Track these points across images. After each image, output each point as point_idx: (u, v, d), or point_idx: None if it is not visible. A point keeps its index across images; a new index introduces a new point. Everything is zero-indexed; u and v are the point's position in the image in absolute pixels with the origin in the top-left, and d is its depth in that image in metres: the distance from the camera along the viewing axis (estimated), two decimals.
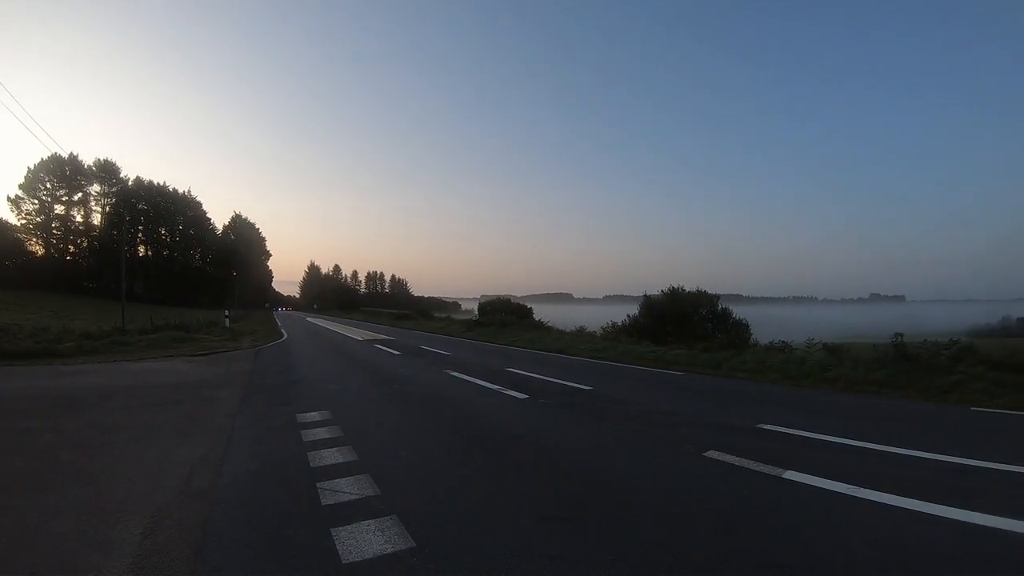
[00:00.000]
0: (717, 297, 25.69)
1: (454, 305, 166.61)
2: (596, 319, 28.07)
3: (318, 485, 4.88)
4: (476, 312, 45.03)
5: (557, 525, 3.94)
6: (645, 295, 26.68)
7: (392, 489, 4.73)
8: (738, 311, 25.25)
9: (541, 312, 42.05)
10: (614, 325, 24.85)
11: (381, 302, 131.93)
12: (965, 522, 4.09)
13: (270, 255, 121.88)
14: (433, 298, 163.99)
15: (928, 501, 4.50)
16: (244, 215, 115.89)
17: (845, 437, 6.85)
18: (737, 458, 5.69)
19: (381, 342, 24.77)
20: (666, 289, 26.45)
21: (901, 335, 13.20)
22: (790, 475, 5.17)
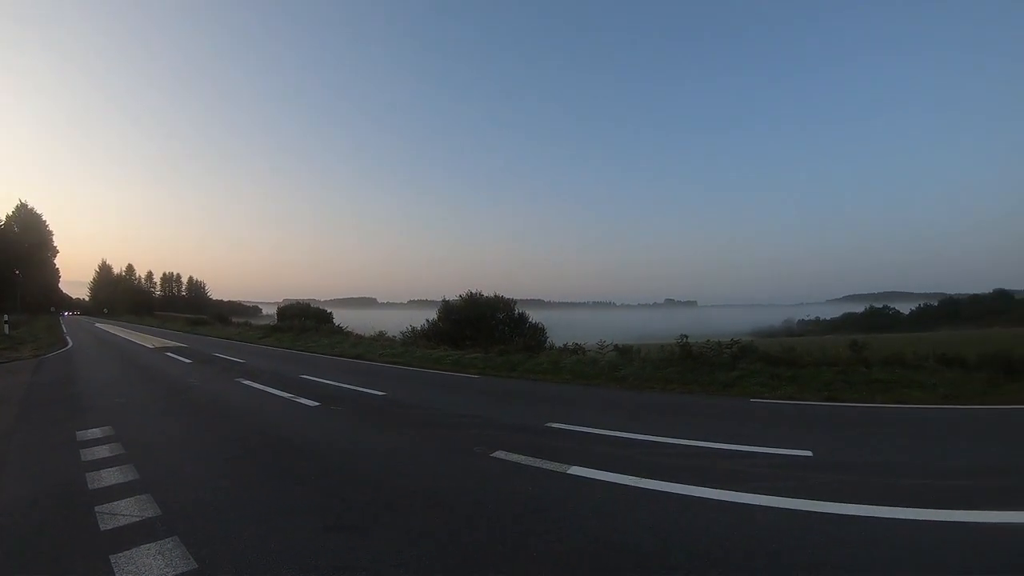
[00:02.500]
0: (514, 302, 27.00)
1: (254, 310, 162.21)
2: (399, 324, 27.75)
3: (96, 509, 4.63)
4: (276, 317, 42.52)
5: (344, 535, 3.95)
6: (444, 300, 27.89)
7: (174, 508, 4.60)
8: (540, 316, 26.18)
9: (343, 317, 41.88)
10: (414, 330, 24.01)
11: (177, 306, 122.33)
12: (736, 503, 4.54)
13: (57, 251, 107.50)
14: (232, 302, 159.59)
15: (703, 486, 4.92)
16: (30, 205, 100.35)
17: (630, 432, 7.29)
18: (525, 457, 5.92)
19: (173, 350, 24.58)
20: (464, 294, 27.08)
21: (686, 336, 14.46)
22: (575, 470, 5.44)
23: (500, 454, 6.03)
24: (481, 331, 23.88)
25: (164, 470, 5.80)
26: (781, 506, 4.45)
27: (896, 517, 4.26)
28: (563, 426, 7.66)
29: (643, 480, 5.05)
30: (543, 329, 26.16)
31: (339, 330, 31.57)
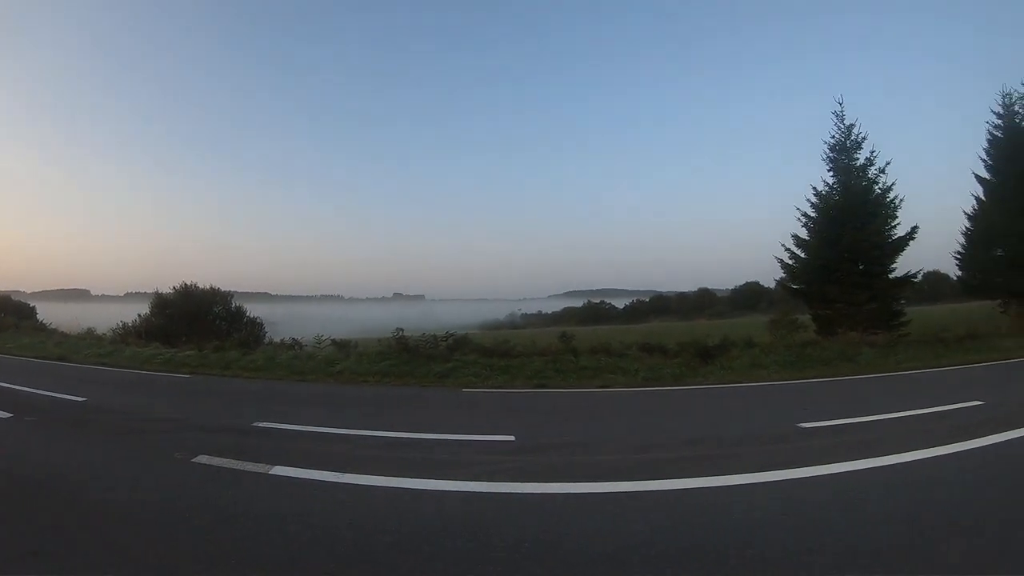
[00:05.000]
0: (231, 295, 24.58)
1: None
2: (114, 319, 25.01)
3: None
4: None
5: (30, 562, 3.42)
6: (157, 292, 24.14)
7: None
8: (266, 310, 24.32)
9: (51, 312, 35.98)
10: (125, 326, 21.33)
11: None
12: (438, 490, 4.65)
13: None
14: None
15: (408, 476, 5.00)
16: None
17: (340, 427, 7.37)
18: (228, 460, 5.69)
19: None
20: (179, 286, 23.57)
21: (402, 329, 14.86)
22: (277, 470, 5.32)
23: (203, 458, 5.78)
24: (197, 327, 21.93)
25: None
26: (480, 490, 4.69)
27: (593, 492, 4.61)
28: (272, 425, 7.55)
29: (347, 475, 5.07)
30: (261, 324, 25.04)
31: (43, 327, 27.20)
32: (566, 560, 3.35)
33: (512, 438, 6.64)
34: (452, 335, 14.73)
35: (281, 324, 26.41)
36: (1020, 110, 26.93)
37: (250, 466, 5.44)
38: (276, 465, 5.41)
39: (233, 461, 5.60)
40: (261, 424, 7.55)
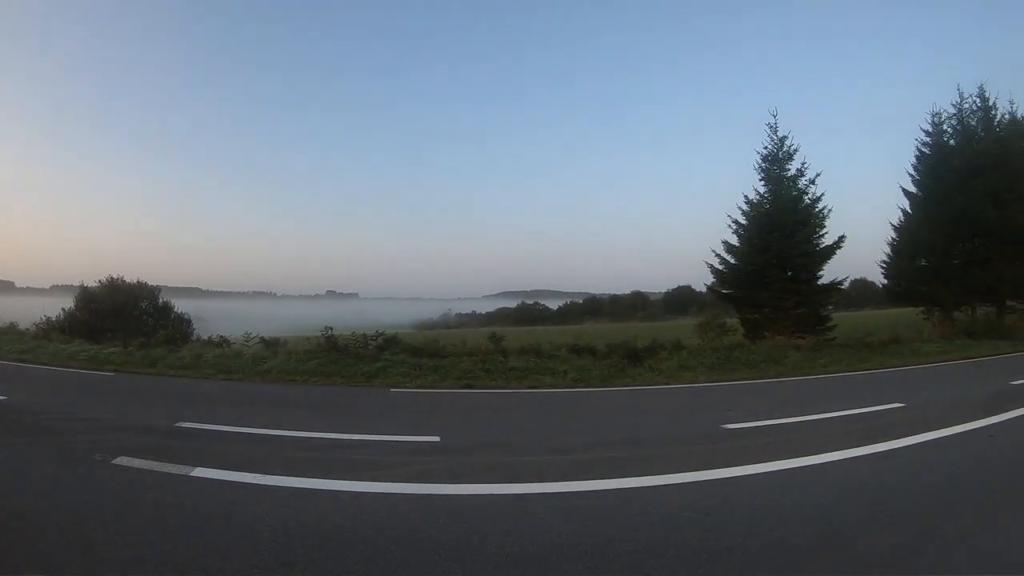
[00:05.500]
0: (158, 289, 24.14)
1: None
2: (39, 313, 23.88)
3: None
4: None
5: None
6: (83, 286, 23.02)
7: None
8: (196, 306, 23.83)
9: None
10: (49, 321, 20.86)
11: None
12: (359, 492, 4.69)
13: None
14: None
15: (330, 478, 5.04)
16: None
17: (264, 428, 7.39)
18: (148, 461, 5.62)
19: None
20: (105, 279, 23.35)
21: (331, 328, 14.87)
22: (199, 472, 5.31)
23: (123, 460, 5.70)
24: (123, 323, 21.39)
25: None
26: (403, 491, 4.73)
27: (516, 492, 4.74)
28: (196, 425, 7.54)
29: (270, 477, 5.08)
30: (189, 321, 24.55)
31: None
32: (488, 561, 3.39)
33: (437, 439, 6.76)
34: (382, 334, 14.82)
35: (212, 321, 26.01)
36: (948, 129, 28.60)
37: (172, 468, 5.41)
38: (198, 467, 5.41)
39: (154, 463, 5.56)
40: (185, 424, 7.55)
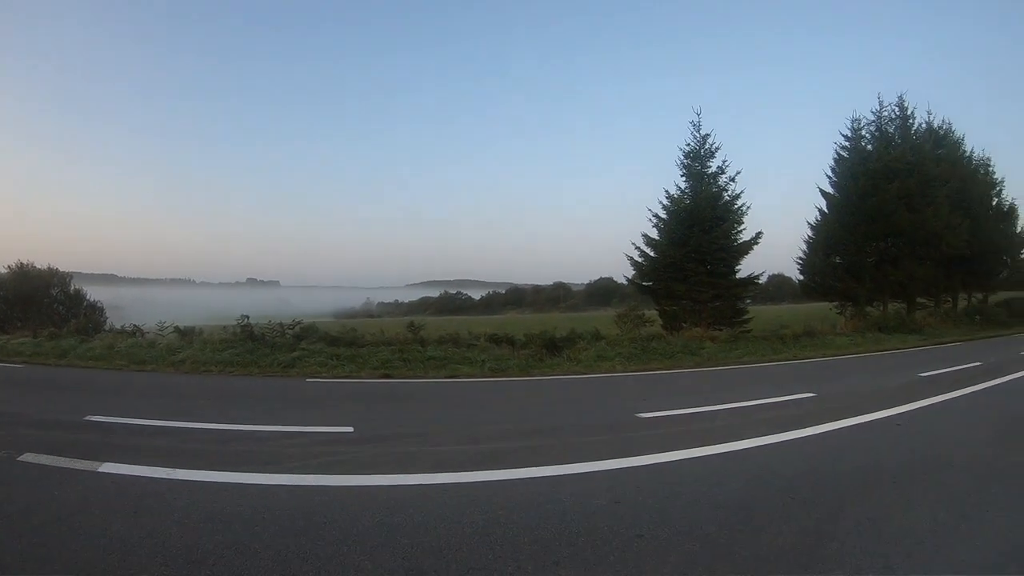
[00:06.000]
0: (69, 276, 22.64)
1: None
2: None
3: None
4: None
5: None
6: None
7: None
8: (112, 293, 23.13)
9: None
10: None
11: None
12: (269, 484, 4.69)
13: None
14: None
15: (241, 471, 5.03)
16: None
17: (175, 420, 7.34)
18: (55, 457, 5.55)
19: None
20: (14, 265, 22.12)
21: (247, 316, 14.78)
22: (107, 467, 5.23)
23: (29, 456, 5.62)
24: (33, 311, 20.64)
25: None
26: (314, 483, 4.78)
27: (428, 483, 4.81)
28: (106, 419, 7.43)
29: (180, 471, 5.05)
30: (102, 309, 23.81)
31: None
32: (399, 552, 3.42)
33: (351, 429, 6.82)
34: (299, 323, 14.83)
35: (128, 309, 25.38)
36: (867, 135, 30.79)
37: (79, 464, 5.35)
38: (107, 462, 5.36)
39: (61, 459, 5.50)
40: (94, 418, 7.46)
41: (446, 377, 11.71)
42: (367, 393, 10.22)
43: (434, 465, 5.30)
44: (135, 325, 16.74)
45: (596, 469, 5.21)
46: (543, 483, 4.84)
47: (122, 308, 25.06)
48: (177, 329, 15.56)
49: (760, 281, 26.08)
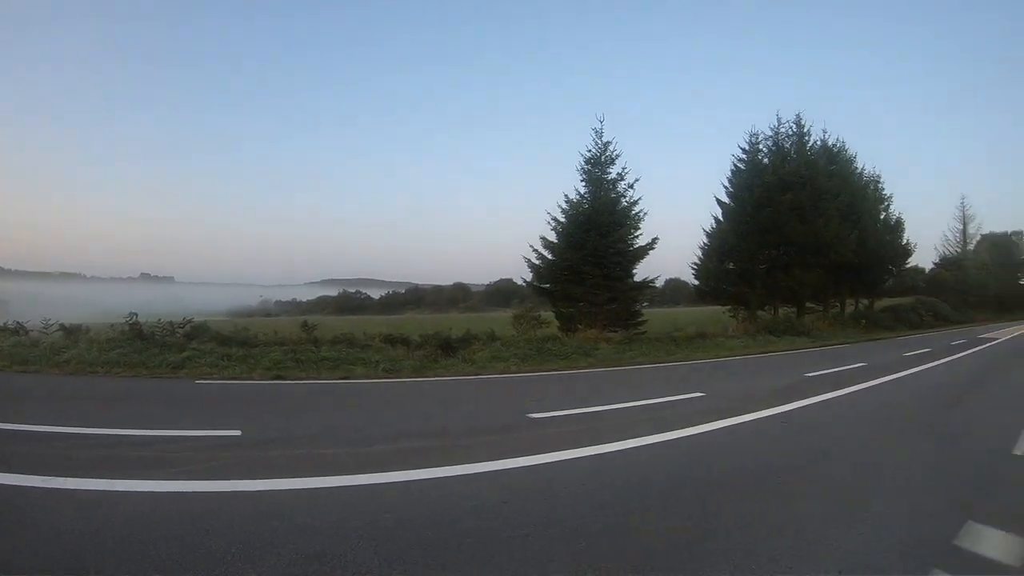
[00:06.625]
0: None
1: None
2: None
3: None
4: None
5: None
6: None
7: None
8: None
9: None
10: None
11: None
12: (151, 492, 4.53)
13: None
14: None
15: (122, 478, 4.80)
16: None
17: (55, 425, 6.94)
18: None
19: None
20: None
21: (135, 314, 14.47)
22: None
23: None
24: None
25: None
26: (195, 489, 4.62)
27: (314, 487, 4.74)
28: None
29: (57, 479, 4.77)
30: None
31: None
32: (281, 559, 3.37)
33: (238, 433, 6.65)
34: (190, 322, 14.64)
35: (13, 304, 24.26)
36: (763, 149, 33.17)
37: None
38: None
39: None
40: None
41: (339, 378, 11.74)
42: (257, 395, 10.11)
43: (322, 468, 5.25)
44: (18, 322, 16.04)
45: (485, 470, 5.29)
46: (431, 485, 4.88)
47: (7, 303, 23.97)
48: (63, 327, 15.12)
49: (656, 285, 27.24)
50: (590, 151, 25.13)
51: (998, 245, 78.16)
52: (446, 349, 15.06)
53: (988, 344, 25.30)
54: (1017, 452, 6.38)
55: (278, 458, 5.66)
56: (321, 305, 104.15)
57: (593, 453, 5.93)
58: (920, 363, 16.56)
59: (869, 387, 11.50)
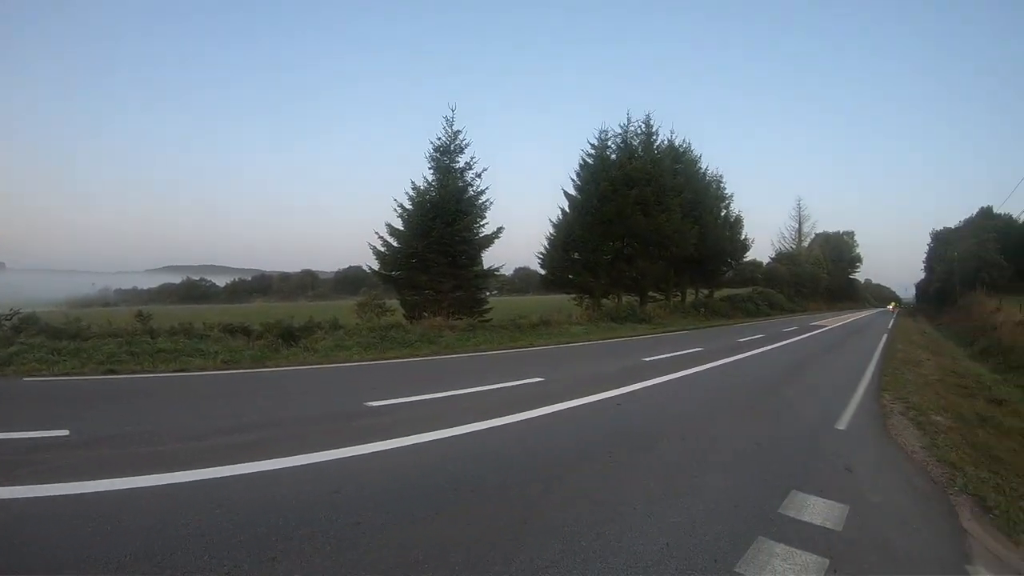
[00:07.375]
0: None
1: None
2: None
3: None
4: None
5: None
6: None
7: None
8: None
9: None
10: None
11: None
12: None
13: None
14: None
15: None
16: None
17: None
18: None
19: None
20: None
21: None
22: None
23: None
24: None
25: None
26: (17, 496, 4.41)
27: (145, 486, 4.68)
28: None
29: None
30: None
31: None
32: (111, 563, 3.32)
33: (66, 432, 6.34)
34: (16, 313, 13.90)
35: None
36: (612, 145, 35.66)
37: None
38: None
39: None
40: None
41: (176, 371, 11.49)
42: (89, 391, 9.60)
43: (154, 466, 5.16)
44: None
45: (317, 460, 5.39)
46: (263, 478, 4.90)
47: None
48: None
49: (503, 273, 28.43)
50: (440, 139, 25.91)
51: (831, 242, 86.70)
52: (288, 338, 15.14)
53: (819, 331, 27.96)
54: (839, 427, 7.33)
55: (108, 457, 5.50)
56: (164, 294, 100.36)
57: (428, 439, 6.19)
58: (754, 348, 18.25)
59: (704, 370, 12.51)
